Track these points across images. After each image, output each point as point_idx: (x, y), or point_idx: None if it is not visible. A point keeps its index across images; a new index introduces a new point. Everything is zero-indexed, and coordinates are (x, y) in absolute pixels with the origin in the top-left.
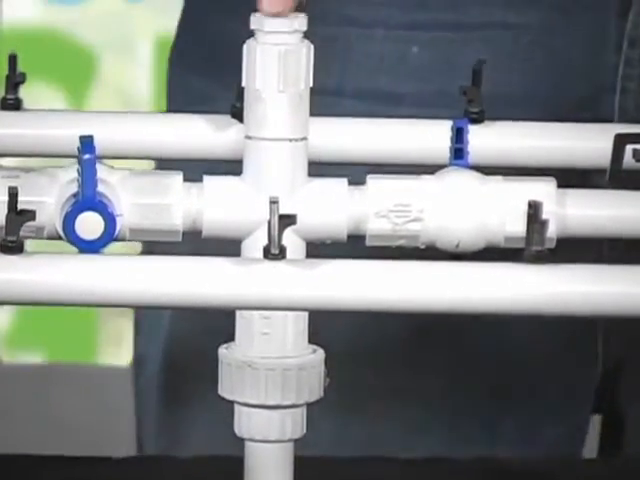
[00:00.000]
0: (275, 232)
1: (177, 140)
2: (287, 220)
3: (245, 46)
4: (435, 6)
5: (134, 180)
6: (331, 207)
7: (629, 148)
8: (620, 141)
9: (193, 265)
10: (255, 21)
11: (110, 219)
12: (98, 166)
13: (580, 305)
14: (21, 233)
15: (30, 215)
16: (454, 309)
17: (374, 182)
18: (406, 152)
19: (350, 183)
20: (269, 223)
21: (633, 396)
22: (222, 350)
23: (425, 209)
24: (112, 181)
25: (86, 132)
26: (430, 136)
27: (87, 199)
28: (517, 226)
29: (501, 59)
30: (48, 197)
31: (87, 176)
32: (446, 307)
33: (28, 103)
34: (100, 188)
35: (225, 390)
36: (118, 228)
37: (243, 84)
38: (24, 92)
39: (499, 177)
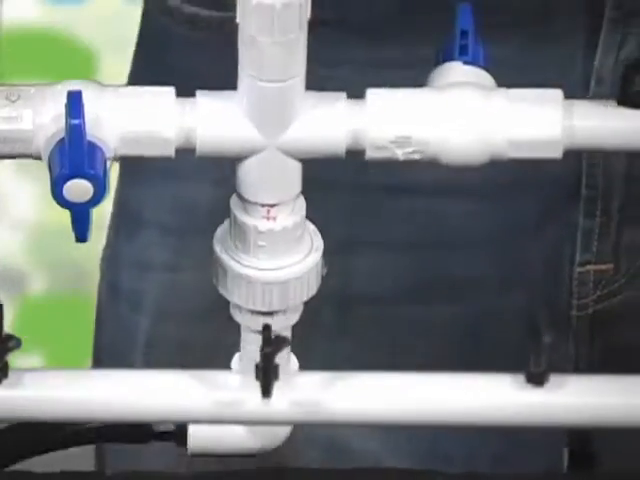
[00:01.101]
0: (268, 362)
1: None
2: (282, 343)
3: None
4: (402, 43)
5: (123, 104)
6: (328, 138)
7: None
8: (631, 69)
9: (183, 381)
10: None
11: (99, 184)
12: (85, 91)
13: (576, 419)
14: (6, 151)
15: (16, 343)
16: (453, 422)
17: (373, 106)
18: None
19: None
20: (261, 349)
21: (603, 434)
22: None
23: (427, 141)
24: (101, 114)
25: None
26: None
27: (75, 167)
28: (522, 144)
29: None
30: (37, 121)
31: (75, 142)
32: (446, 420)
33: None
34: (88, 127)
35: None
36: (109, 163)
37: (237, 20)
38: None
39: (504, 90)
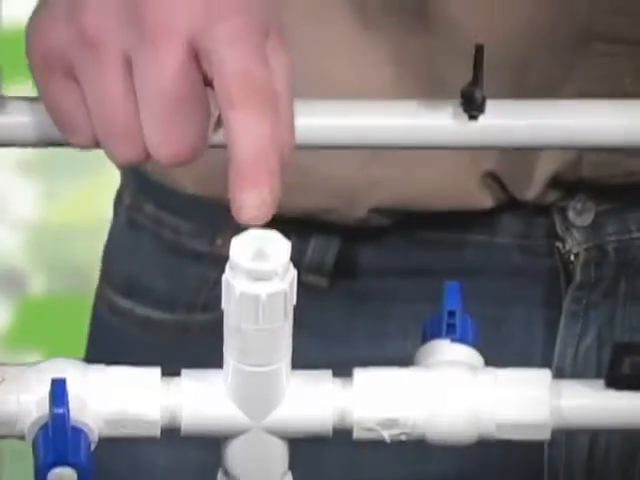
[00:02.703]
0: None
1: None
2: None
3: (223, 280)
4: (356, 342)
5: (108, 386)
6: (314, 419)
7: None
8: (619, 352)
9: None
10: (233, 260)
11: (83, 471)
12: (69, 373)
13: None
14: None
15: None
16: None
17: (359, 386)
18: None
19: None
20: None
21: None
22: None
23: (414, 423)
24: (85, 398)
25: None
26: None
27: (58, 455)
28: (510, 427)
29: None
30: (21, 406)
31: (58, 430)
32: None
33: None
34: (72, 412)
35: None
36: (93, 445)
37: (223, 306)
38: (24, 92)
39: (492, 370)
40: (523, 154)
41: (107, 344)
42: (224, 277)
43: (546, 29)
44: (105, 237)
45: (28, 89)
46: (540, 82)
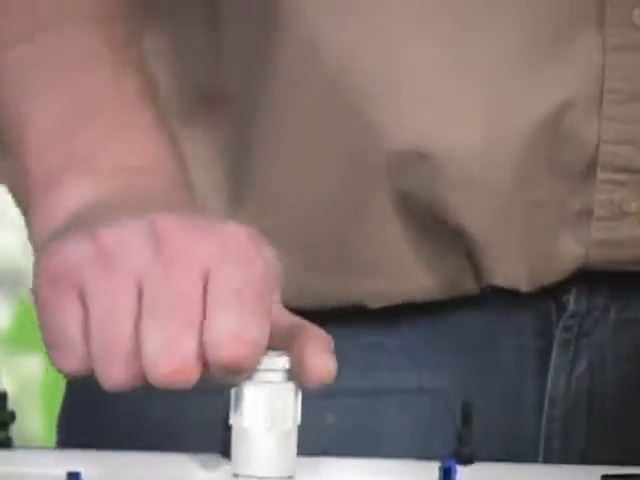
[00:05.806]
0: None
1: None
2: None
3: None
4: (349, 374)
5: None
6: None
7: None
8: None
9: None
10: None
11: None
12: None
13: None
14: None
15: None
16: None
17: None
18: None
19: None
20: None
21: None
22: None
23: None
24: None
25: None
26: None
27: None
28: None
29: (419, 423)
30: None
31: None
32: None
33: None
34: None
35: None
36: None
37: (230, 422)
38: None
39: None
40: None
41: (85, 391)
42: None
43: (549, 155)
44: None
45: None
46: (543, 200)
